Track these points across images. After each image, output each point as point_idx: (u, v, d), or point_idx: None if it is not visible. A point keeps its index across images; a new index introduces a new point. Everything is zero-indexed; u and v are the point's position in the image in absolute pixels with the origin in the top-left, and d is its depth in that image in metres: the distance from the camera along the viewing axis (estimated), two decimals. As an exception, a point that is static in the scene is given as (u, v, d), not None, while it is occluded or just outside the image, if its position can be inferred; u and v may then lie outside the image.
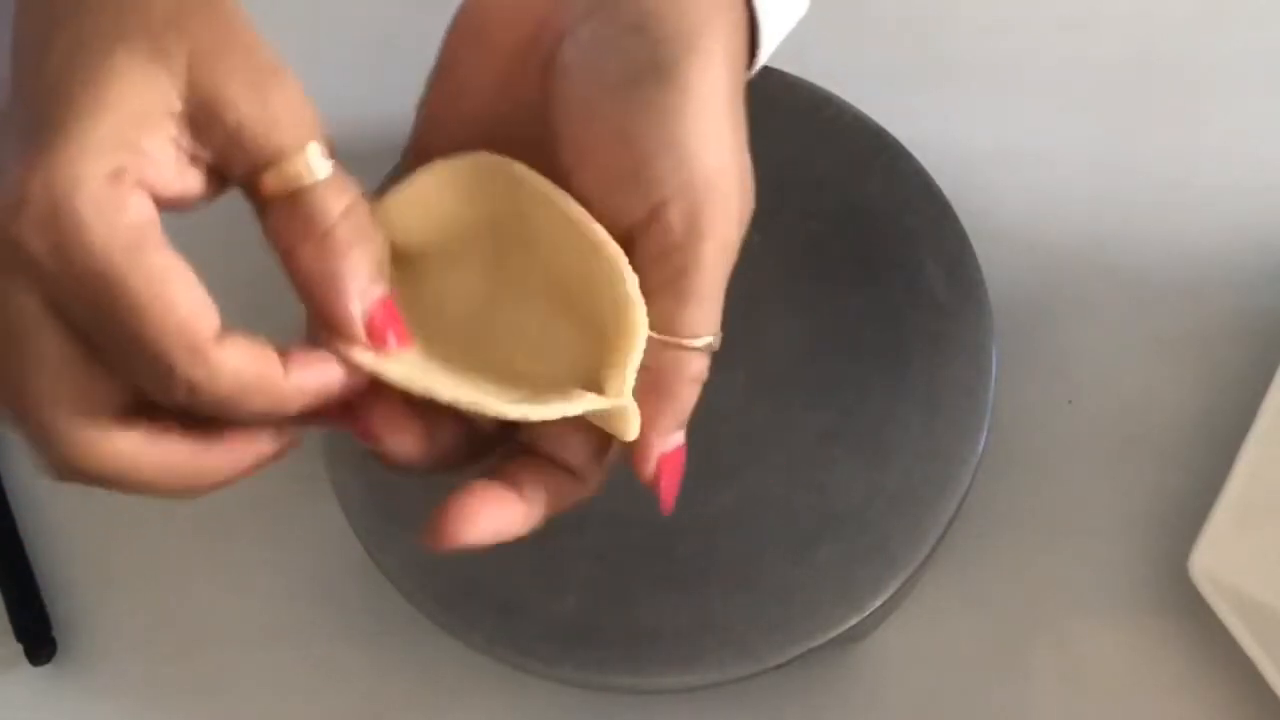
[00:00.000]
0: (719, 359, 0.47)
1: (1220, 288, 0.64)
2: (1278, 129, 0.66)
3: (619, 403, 0.46)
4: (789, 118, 0.63)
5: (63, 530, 0.64)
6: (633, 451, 0.47)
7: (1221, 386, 0.62)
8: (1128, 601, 0.61)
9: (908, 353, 0.60)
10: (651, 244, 0.46)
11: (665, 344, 0.46)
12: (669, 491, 0.47)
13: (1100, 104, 0.66)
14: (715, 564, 0.58)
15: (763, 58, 0.49)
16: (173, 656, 0.63)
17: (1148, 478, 0.62)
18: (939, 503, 0.59)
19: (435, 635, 0.59)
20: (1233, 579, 0.58)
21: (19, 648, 0.62)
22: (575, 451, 0.47)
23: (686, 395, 0.47)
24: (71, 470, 0.44)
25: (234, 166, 0.46)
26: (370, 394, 0.45)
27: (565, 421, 0.45)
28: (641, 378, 0.47)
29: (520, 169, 0.48)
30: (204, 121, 0.45)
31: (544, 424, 0.45)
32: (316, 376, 0.45)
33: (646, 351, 0.46)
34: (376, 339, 0.45)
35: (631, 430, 0.46)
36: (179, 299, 0.44)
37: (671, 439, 0.47)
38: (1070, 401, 0.63)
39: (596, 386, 0.46)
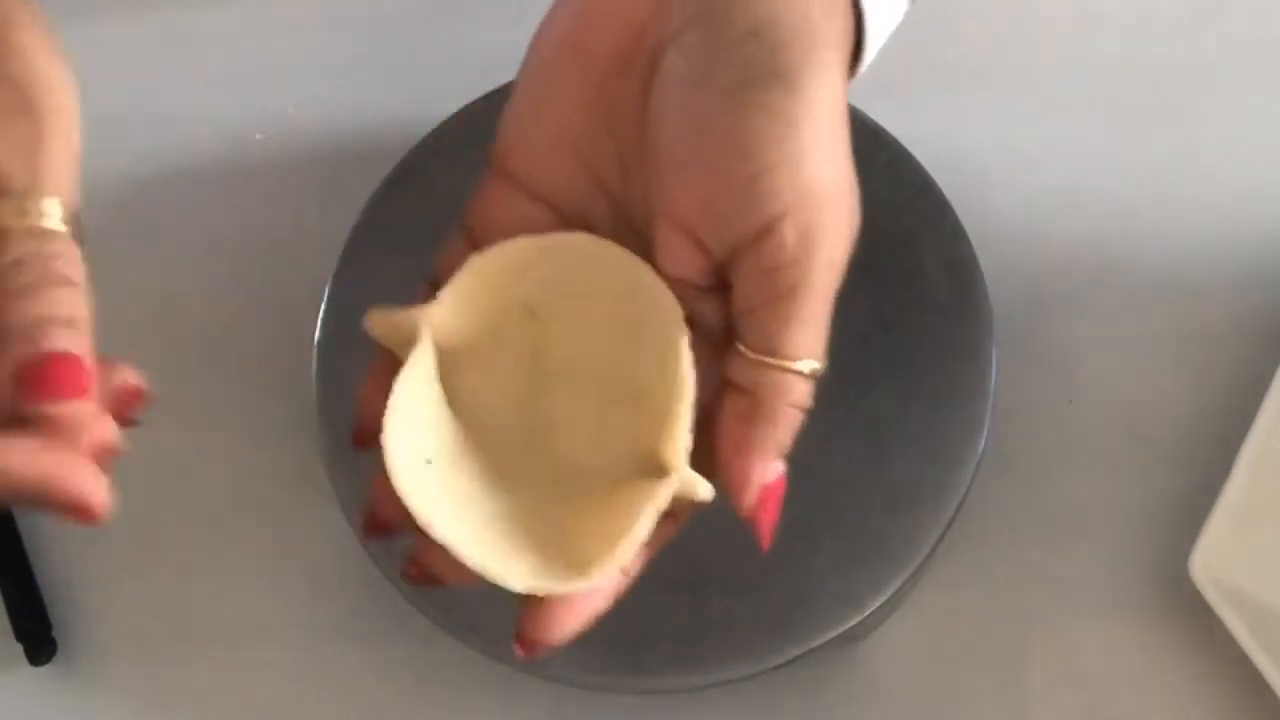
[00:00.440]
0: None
1: (1220, 288, 0.64)
2: (1278, 129, 0.66)
3: (676, 480, 0.44)
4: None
5: (63, 531, 0.64)
6: (729, 483, 0.45)
7: (1222, 386, 0.62)
8: (1128, 601, 0.61)
9: (908, 353, 0.60)
10: (760, 261, 0.44)
11: (767, 366, 0.44)
12: (768, 525, 0.45)
13: (1100, 104, 0.66)
14: (715, 564, 0.58)
15: (864, 66, 0.47)
16: (172, 657, 0.63)
17: (1148, 477, 0.62)
18: (939, 503, 0.59)
19: (435, 635, 0.59)
20: (1233, 579, 0.58)
21: (19, 648, 0.62)
22: None
23: (788, 422, 0.45)
24: None
25: None
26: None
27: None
28: (740, 402, 0.45)
29: (547, 240, 0.46)
30: None
31: None
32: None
33: (747, 375, 0.44)
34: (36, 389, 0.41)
35: (702, 493, 0.44)
36: None
37: (771, 469, 0.45)
38: (1070, 401, 0.63)
39: (659, 467, 0.44)
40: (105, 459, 0.42)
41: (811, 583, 0.58)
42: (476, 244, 0.47)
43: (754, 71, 0.43)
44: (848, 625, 0.58)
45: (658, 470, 0.45)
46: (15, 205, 0.44)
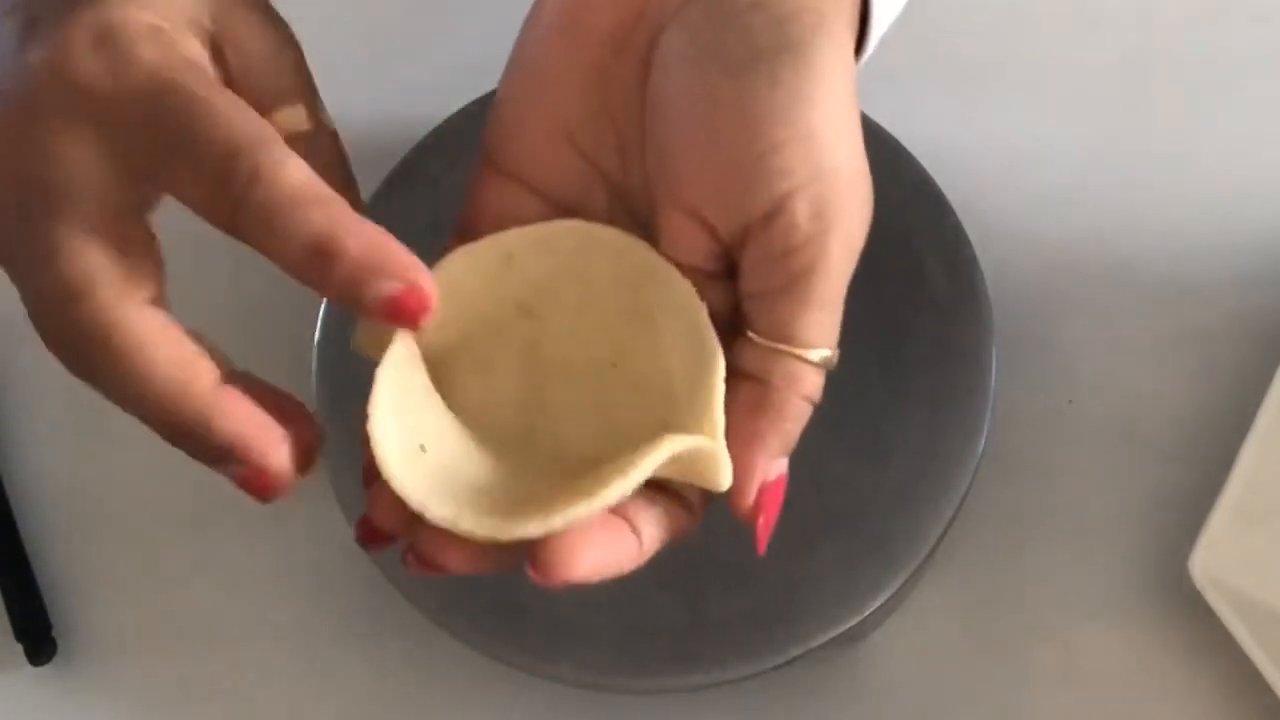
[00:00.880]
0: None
1: (1221, 288, 0.64)
2: (1277, 127, 0.66)
3: (706, 443, 0.42)
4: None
5: (63, 531, 0.64)
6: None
7: (1222, 386, 0.62)
8: (1128, 601, 0.61)
9: (908, 353, 0.60)
10: (772, 242, 0.42)
11: (779, 353, 0.42)
12: (766, 529, 0.43)
13: (1100, 104, 0.66)
14: (715, 564, 0.58)
15: (871, 47, 0.45)
16: (172, 657, 0.63)
17: (1148, 477, 0.62)
18: (939, 502, 0.59)
19: (435, 635, 0.59)
20: (1233, 579, 0.58)
21: (19, 648, 0.62)
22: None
23: (796, 414, 0.43)
24: (79, 328, 0.42)
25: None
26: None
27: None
28: (745, 391, 0.43)
29: (537, 230, 0.45)
30: (219, 47, 0.44)
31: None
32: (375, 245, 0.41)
33: (756, 362, 0.43)
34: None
35: (724, 478, 0.42)
36: (244, 108, 0.41)
37: (775, 466, 0.43)
38: (1070, 401, 0.63)
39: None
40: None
41: (811, 583, 0.58)
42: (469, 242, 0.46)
43: (761, 45, 0.41)
44: (847, 625, 0.58)
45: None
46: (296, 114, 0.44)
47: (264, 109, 0.43)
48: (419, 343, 0.45)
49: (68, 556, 0.64)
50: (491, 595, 0.58)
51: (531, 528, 0.41)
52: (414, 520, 0.42)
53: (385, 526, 0.43)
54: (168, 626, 0.63)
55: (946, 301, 0.60)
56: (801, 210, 0.42)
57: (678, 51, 0.43)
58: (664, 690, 0.59)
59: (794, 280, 0.42)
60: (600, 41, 0.44)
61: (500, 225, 0.46)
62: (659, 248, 0.45)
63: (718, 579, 0.58)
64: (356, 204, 0.44)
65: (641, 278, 0.45)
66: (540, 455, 0.45)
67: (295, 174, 0.41)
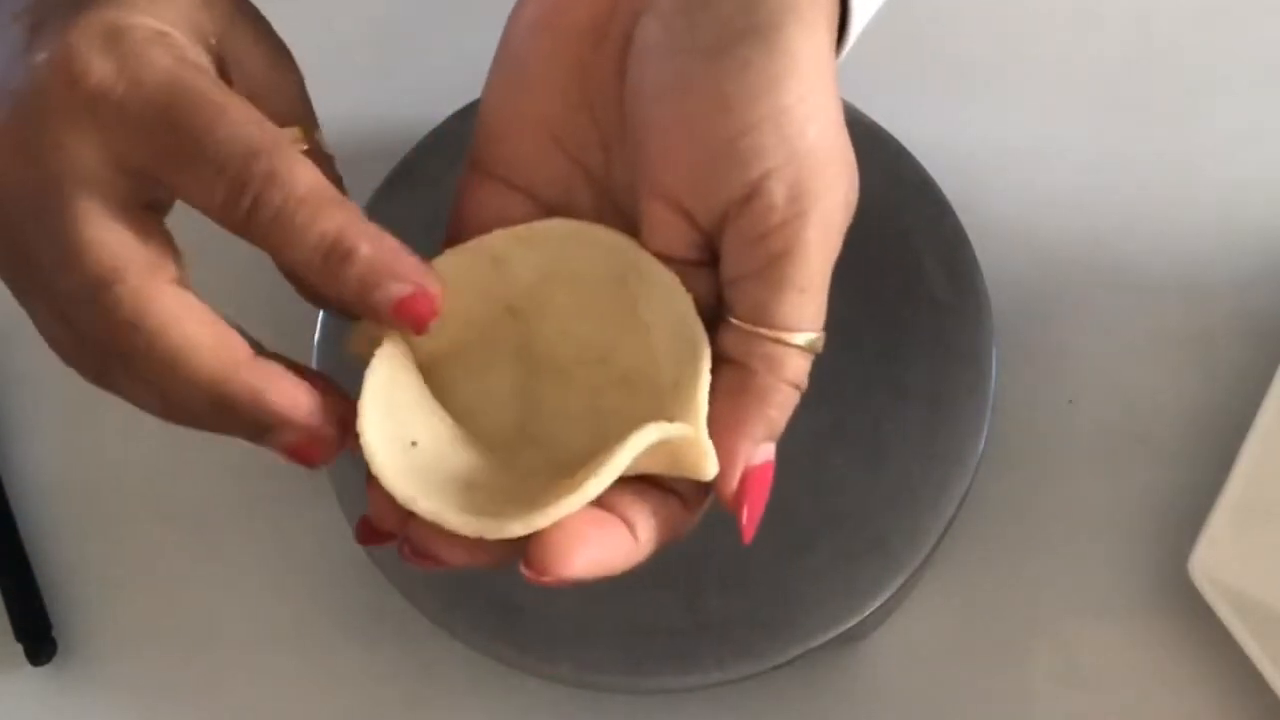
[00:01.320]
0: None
1: (1221, 287, 0.64)
2: (1277, 127, 0.66)
3: (685, 430, 0.41)
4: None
5: (63, 530, 0.64)
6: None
7: (1222, 386, 0.62)
8: (1128, 601, 0.61)
9: (907, 352, 0.60)
10: (749, 225, 0.42)
11: (760, 337, 0.42)
12: (752, 517, 0.43)
13: (1100, 103, 0.66)
14: (714, 564, 0.58)
15: (852, 39, 0.45)
16: (173, 656, 0.63)
17: (1148, 477, 0.62)
18: (939, 502, 0.59)
19: (435, 635, 0.59)
20: (1233, 579, 0.58)
21: (19, 648, 0.62)
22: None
23: (781, 400, 0.43)
24: (112, 316, 0.42)
25: None
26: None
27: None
28: (730, 376, 0.42)
29: (522, 231, 0.45)
30: (221, 62, 0.44)
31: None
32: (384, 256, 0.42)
33: (738, 346, 0.42)
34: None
35: (708, 466, 0.42)
36: (256, 112, 0.42)
37: (759, 451, 0.43)
38: (1070, 401, 0.63)
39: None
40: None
41: (811, 582, 0.58)
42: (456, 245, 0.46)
43: (732, 30, 0.41)
44: (847, 625, 0.58)
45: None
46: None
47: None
48: (410, 345, 0.45)
49: (68, 556, 0.64)
50: (491, 595, 0.58)
51: (517, 526, 0.41)
52: (407, 515, 0.42)
53: (382, 525, 0.43)
54: (168, 626, 0.63)
55: (946, 301, 0.60)
56: (778, 192, 0.42)
57: (651, 40, 0.43)
58: (664, 690, 0.59)
59: (772, 262, 0.42)
60: (579, 37, 0.44)
61: (488, 227, 0.46)
62: (641, 239, 0.45)
63: (717, 579, 0.58)
64: None
65: (626, 272, 0.45)
66: (533, 453, 0.45)
67: (309, 177, 0.42)
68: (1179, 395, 0.63)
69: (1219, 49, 0.67)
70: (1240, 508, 0.58)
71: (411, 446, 0.43)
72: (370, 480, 0.43)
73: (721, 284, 0.44)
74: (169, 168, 0.41)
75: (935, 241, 0.61)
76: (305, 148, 0.45)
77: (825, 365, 0.60)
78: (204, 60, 0.43)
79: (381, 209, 0.63)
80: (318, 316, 0.62)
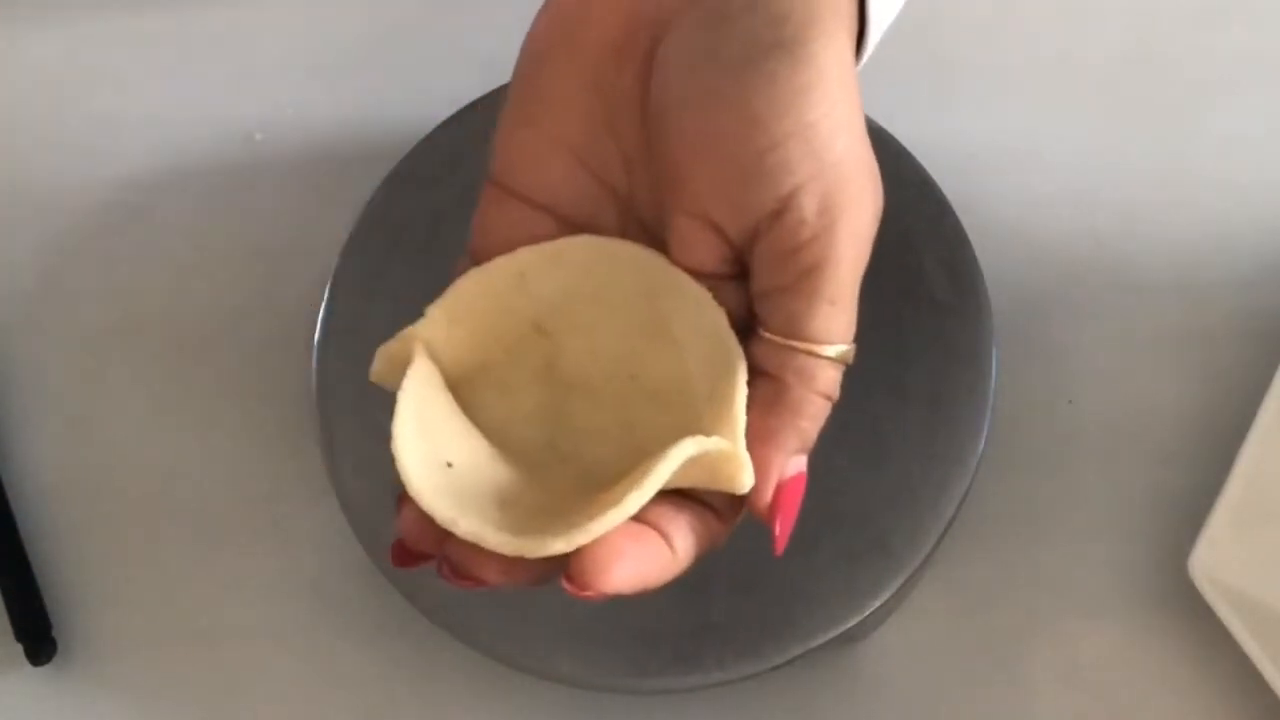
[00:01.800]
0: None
1: (1221, 287, 0.64)
2: (1277, 127, 0.66)
3: (722, 444, 0.41)
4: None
5: (63, 530, 0.64)
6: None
7: (1222, 386, 0.62)
8: (1127, 601, 0.61)
9: (907, 353, 0.60)
10: (780, 239, 0.42)
11: (793, 350, 0.42)
12: (784, 528, 0.43)
13: (1100, 103, 0.66)
14: (715, 564, 0.58)
15: (870, 49, 0.45)
16: (173, 657, 0.63)
17: (1148, 477, 0.62)
18: (939, 502, 0.59)
19: (435, 635, 0.59)
20: (1232, 579, 0.58)
21: (19, 648, 0.62)
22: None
23: (813, 412, 0.43)
24: None
25: None
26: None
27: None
28: (760, 389, 0.43)
29: (548, 248, 0.45)
30: None
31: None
32: None
33: (771, 359, 0.43)
34: None
35: (744, 478, 0.42)
36: None
37: (792, 463, 0.43)
38: (1070, 401, 0.63)
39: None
40: None
41: (812, 582, 0.58)
42: (481, 264, 0.46)
43: (757, 44, 0.41)
44: (848, 625, 0.58)
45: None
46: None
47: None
48: (439, 365, 0.45)
49: (68, 556, 0.64)
50: (491, 595, 0.58)
51: (558, 544, 0.41)
52: (445, 535, 0.42)
53: (417, 546, 0.43)
54: (168, 627, 0.63)
55: (946, 301, 0.60)
56: (808, 205, 0.42)
57: (675, 58, 0.43)
58: (665, 690, 0.59)
59: (804, 276, 0.42)
60: (598, 56, 0.44)
61: (511, 245, 0.46)
62: (670, 255, 0.45)
63: (718, 580, 0.58)
64: None
65: (655, 288, 0.45)
66: (565, 471, 0.45)
67: None
68: (1179, 395, 0.63)
69: (1219, 50, 0.67)
70: (1240, 508, 0.58)
71: (447, 467, 0.43)
72: (403, 501, 0.43)
73: (752, 297, 0.44)
74: None
75: (935, 242, 0.61)
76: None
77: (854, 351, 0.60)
78: None
79: (381, 209, 0.63)
80: (318, 317, 0.62)
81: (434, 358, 0.44)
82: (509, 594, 0.57)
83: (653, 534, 0.42)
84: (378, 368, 0.46)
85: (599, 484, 0.43)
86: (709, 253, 0.44)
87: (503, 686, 0.61)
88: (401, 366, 0.44)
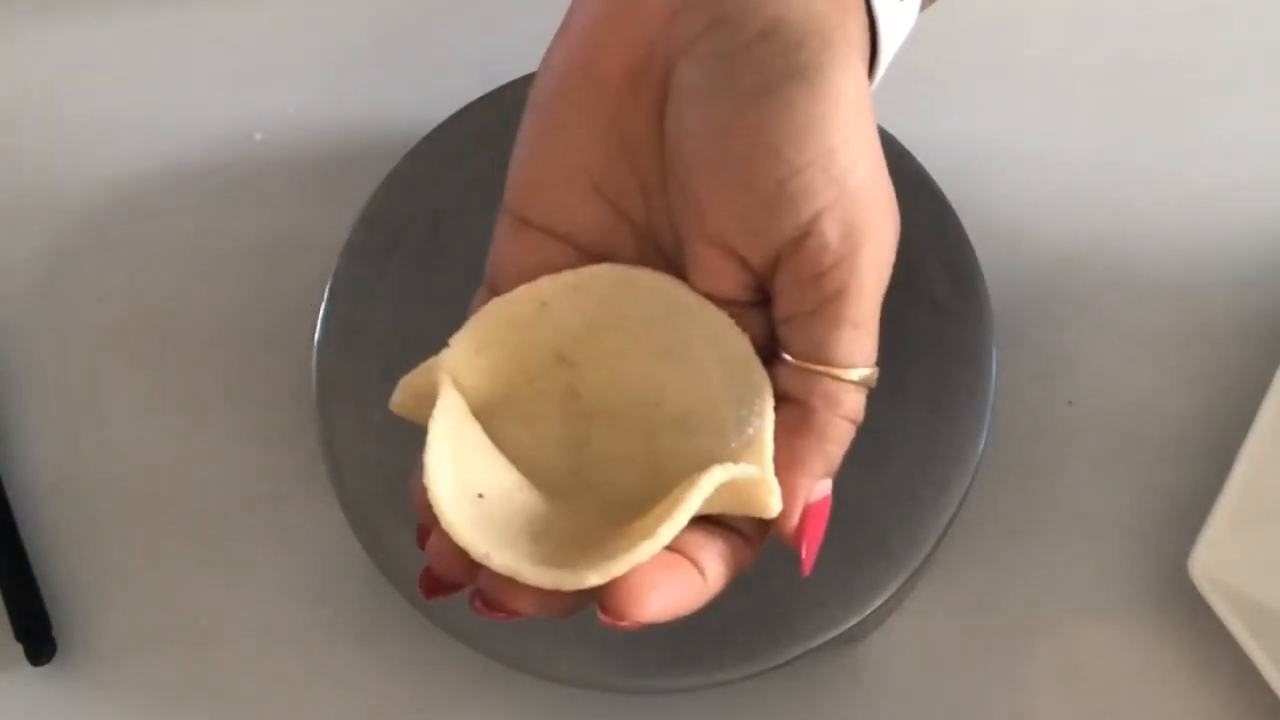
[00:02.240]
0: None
1: (1221, 288, 0.64)
2: (1277, 127, 0.66)
3: (751, 470, 0.41)
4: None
5: (63, 530, 0.64)
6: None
7: (1221, 386, 0.62)
8: (1127, 601, 0.61)
9: (908, 353, 0.60)
10: (803, 265, 0.42)
11: (818, 375, 0.43)
12: (811, 551, 0.43)
13: (1100, 103, 0.66)
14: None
15: (882, 68, 0.45)
16: (173, 657, 0.63)
17: (1147, 478, 0.62)
18: (939, 503, 0.59)
19: (434, 635, 0.59)
20: (1232, 579, 0.58)
21: (19, 648, 0.62)
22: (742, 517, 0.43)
23: (839, 436, 0.43)
24: None
25: None
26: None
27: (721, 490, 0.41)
28: (785, 414, 0.43)
29: (569, 278, 0.45)
30: None
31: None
32: None
33: (796, 384, 0.43)
34: None
35: (773, 504, 0.42)
36: None
37: (818, 487, 0.43)
38: (1070, 402, 0.63)
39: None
40: None
41: (811, 583, 0.58)
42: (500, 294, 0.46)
43: (772, 73, 0.42)
44: (847, 625, 0.58)
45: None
46: None
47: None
48: (463, 396, 0.45)
49: (68, 556, 0.64)
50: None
51: (593, 577, 0.41)
52: (476, 566, 0.42)
53: (448, 576, 0.43)
54: (168, 627, 0.63)
55: (946, 301, 0.60)
56: (830, 231, 0.42)
57: (691, 87, 0.43)
58: (664, 690, 0.59)
59: (828, 301, 0.42)
60: (614, 85, 0.44)
61: (530, 275, 0.46)
62: (691, 283, 0.45)
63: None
64: None
65: (677, 315, 0.45)
66: (592, 499, 0.45)
67: None
68: (1179, 395, 0.63)
69: (1218, 50, 0.67)
70: (1240, 507, 0.58)
71: (478, 498, 0.43)
72: (434, 531, 0.43)
73: (775, 323, 0.44)
74: None
75: (936, 242, 0.61)
76: None
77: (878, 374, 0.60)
78: None
79: (380, 209, 0.63)
80: (318, 317, 0.62)
81: (458, 388, 0.45)
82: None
83: (685, 563, 0.42)
84: (399, 399, 0.45)
85: (627, 512, 0.43)
86: (730, 280, 0.44)
87: (502, 686, 0.61)
88: (423, 398, 0.44)
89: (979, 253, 0.61)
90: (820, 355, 0.43)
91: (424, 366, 0.45)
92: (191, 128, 0.67)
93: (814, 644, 0.58)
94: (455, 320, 0.47)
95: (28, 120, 0.68)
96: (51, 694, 0.63)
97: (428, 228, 0.62)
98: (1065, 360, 0.63)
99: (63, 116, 0.68)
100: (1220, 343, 0.63)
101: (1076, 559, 0.61)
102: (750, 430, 0.43)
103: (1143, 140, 0.66)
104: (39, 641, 0.62)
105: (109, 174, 0.67)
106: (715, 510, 0.43)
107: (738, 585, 0.58)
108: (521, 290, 0.46)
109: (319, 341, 0.61)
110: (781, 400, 0.44)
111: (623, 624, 0.41)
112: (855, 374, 0.43)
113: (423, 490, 0.42)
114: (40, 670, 0.62)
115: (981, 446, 0.59)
